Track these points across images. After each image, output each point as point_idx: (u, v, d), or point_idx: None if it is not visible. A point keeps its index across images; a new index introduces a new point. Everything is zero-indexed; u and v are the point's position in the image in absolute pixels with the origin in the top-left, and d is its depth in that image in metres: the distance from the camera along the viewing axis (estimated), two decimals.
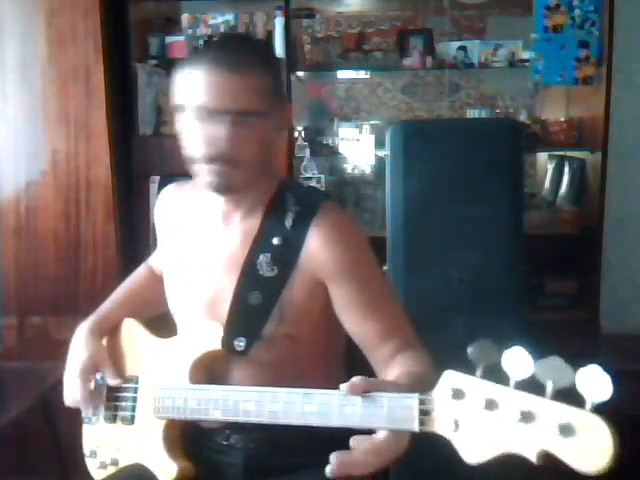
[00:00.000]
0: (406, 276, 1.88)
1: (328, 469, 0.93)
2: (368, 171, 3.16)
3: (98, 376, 1.29)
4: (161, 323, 1.37)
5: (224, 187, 1.14)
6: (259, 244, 1.17)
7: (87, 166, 2.44)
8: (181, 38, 2.68)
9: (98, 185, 2.45)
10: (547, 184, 3.09)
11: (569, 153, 2.88)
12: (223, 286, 1.19)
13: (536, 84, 2.79)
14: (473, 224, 1.85)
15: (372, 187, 3.13)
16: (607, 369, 0.71)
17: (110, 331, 1.34)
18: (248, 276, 1.17)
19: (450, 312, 1.86)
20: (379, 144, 2.89)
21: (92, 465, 1.33)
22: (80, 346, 1.29)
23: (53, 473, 2.27)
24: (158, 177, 2.57)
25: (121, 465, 1.28)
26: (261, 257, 1.16)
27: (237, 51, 1.11)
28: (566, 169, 2.92)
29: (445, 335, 1.83)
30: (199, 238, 1.25)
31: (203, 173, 1.13)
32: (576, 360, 0.74)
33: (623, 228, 2.87)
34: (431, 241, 1.88)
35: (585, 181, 2.76)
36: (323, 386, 1.03)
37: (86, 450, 1.35)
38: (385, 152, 1.94)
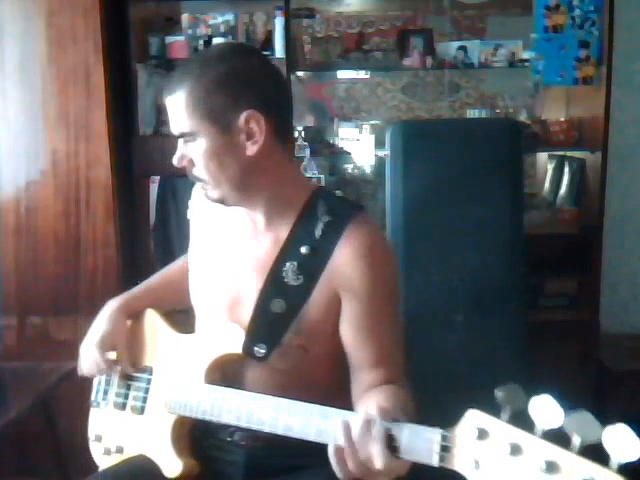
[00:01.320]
0: (406, 276, 1.88)
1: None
2: (368, 171, 3.16)
3: (112, 357, 1.30)
4: (181, 315, 1.38)
5: (210, 199, 1.18)
6: (287, 251, 1.16)
7: (87, 166, 2.44)
8: (181, 38, 2.67)
9: (98, 185, 2.45)
10: (547, 184, 3.09)
11: (569, 153, 2.88)
12: (247, 289, 1.19)
13: (536, 84, 2.78)
14: (473, 224, 1.86)
15: (372, 187, 3.13)
16: (635, 429, 0.70)
17: (136, 314, 1.36)
18: (273, 283, 1.16)
19: (450, 312, 1.86)
20: (379, 144, 2.89)
21: (96, 450, 1.34)
22: (104, 320, 1.32)
23: (53, 473, 2.27)
24: (158, 177, 2.58)
25: (126, 453, 1.28)
26: (288, 265, 1.15)
27: (177, 70, 1.16)
28: (566, 169, 2.92)
29: (445, 335, 1.84)
30: (227, 238, 1.24)
31: None
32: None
33: (623, 228, 2.88)
34: (431, 241, 1.88)
35: (585, 181, 2.76)
36: (332, 395, 1.03)
37: (91, 434, 1.35)
38: (385, 152, 1.94)
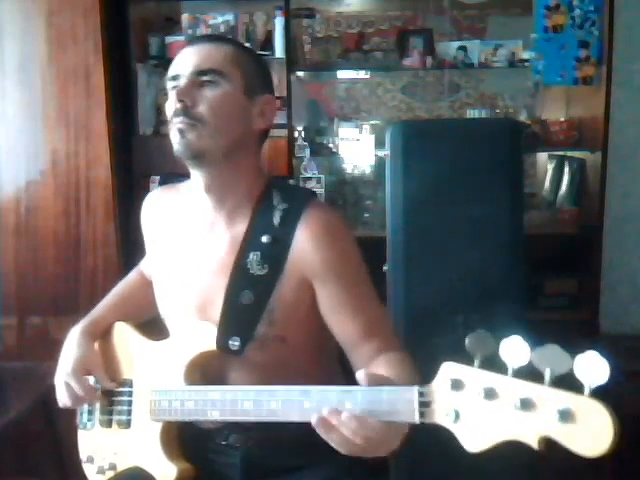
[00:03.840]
0: (406, 276, 1.88)
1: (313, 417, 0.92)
2: (368, 171, 3.16)
3: (91, 380, 1.28)
4: (151, 327, 1.36)
5: (187, 145, 1.14)
6: (249, 243, 1.17)
7: (87, 166, 2.44)
8: (181, 38, 2.67)
9: (98, 185, 2.45)
10: (547, 184, 3.09)
11: (569, 153, 2.88)
12: (213, 287, 1.19)
13: (536, 84, 2.79)
14: (473, 224, 1.85)
15: (372, 187, 3.13)
16: (606, 356, 0.72)
17: (102, 335, 1.33)
18: (239, 275, 1.17)
19: (450, 312, 1.85)
20: (379, 144, 2.89)
21: (90, 471, 1.32)
22: (71, 348, 1.28)
23: (53, 473, 2.27)
24: (158, 177, 2.58)
25: (119, 469, 1.28)
26: (251, 255, 1.16)
27: (216, 35, 1.24)
28: (566, 169, 2.92)
29: (445, 335, 1.83)
30: (186, 241, 1.24)
31: (173, 134, 1.16)
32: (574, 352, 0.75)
33: (623, 228, 2.87)
34: (431, 241, 1.88)
35: (585, 181, 2.76)
36: (315, 384, 1.02)
37: (83, 456, 1.34)
38: (385, 152, 1.94)
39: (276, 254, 1.15)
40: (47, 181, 2.45)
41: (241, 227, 1.19)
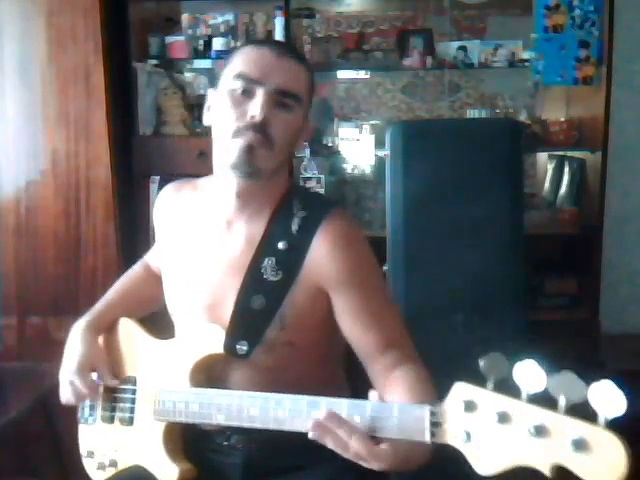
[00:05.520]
0: (406, 276, 1.88)
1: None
2: (368, 171, 3.15)
3: (94, 376, 1.28)
4: (155, 323, 1.36)
5: (252, 162, 1.11)
6: (264, 247, 1.17)
7: (87, 166, 2.44)
8: (181, 38, 2.68)
9: (98, 185, 2.45)
10: (547, 184, 3.09)
11: (569, 153, 2.88)
12: (225, 289, 1.18)
13: (536, 84, 2.79)
14: (473, 224, 1.86)
15: (372, 187, 3.13)
16: (619, 384, 0.71)
17: (106, 329, 1.33)
18: (252, 279, 1.16)
19: (450, 312, 1.86)
20: (379, 144, 2.89)
21: (90, 465, 1.32)
22: (76, 344, 1.28)
23: (53, 473, 2.27)
24: (158, 177, 2.57)
25: (120, 466, 1.27)
26: (266, 261, 1.16)
27: (297, 51, 1.28)
28: (566, 169, 2.92)
29: (445, 335, 1.84)
30: (200, 239, 1.24)
31: (236, 146, 1.11)
32: (581, 367, 0.75)
33: (623, 228, 2.88)
34: (431, 241, 1.88)
35: (585, 181, 2.76)
36: (321, 390, 1.02)
37: (83, 450, 1.34)
38: (385, 152, 1.94)
39: (291, 261, 1.15)
40: (47, 181, 2.45)
41: (258, 229, 1.18)
